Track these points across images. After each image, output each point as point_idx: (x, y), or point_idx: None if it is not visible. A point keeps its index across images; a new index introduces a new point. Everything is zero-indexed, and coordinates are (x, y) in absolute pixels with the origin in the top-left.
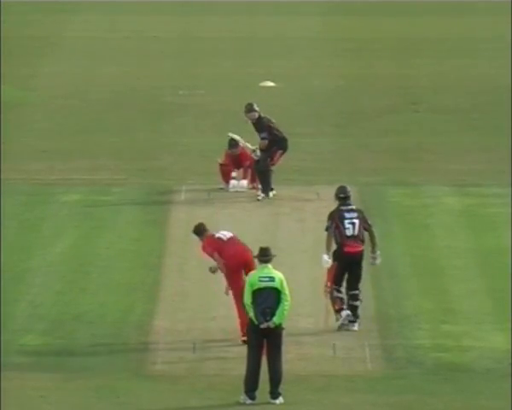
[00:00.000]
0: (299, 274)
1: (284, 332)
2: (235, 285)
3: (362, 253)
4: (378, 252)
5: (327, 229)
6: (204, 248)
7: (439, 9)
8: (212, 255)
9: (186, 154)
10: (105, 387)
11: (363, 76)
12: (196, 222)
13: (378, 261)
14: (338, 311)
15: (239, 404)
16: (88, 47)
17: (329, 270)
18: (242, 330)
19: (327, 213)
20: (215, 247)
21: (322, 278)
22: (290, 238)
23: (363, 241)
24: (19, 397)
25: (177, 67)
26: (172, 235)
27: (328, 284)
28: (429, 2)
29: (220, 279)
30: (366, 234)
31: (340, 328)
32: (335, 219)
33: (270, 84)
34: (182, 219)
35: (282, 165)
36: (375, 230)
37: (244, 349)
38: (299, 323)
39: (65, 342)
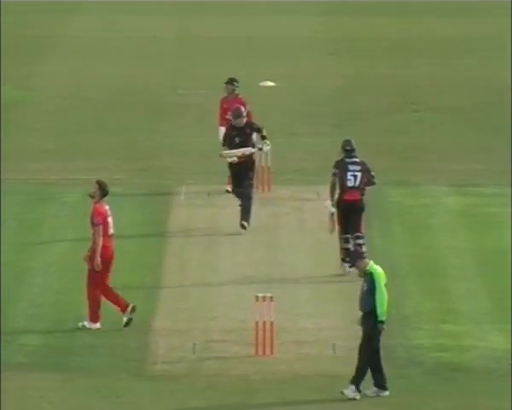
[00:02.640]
0: (299, 274)
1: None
2: (100, 275)
3: (360, 201)
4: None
5: (333, 175)
6: (98, 214)
7: (439, 9)
8: (98, 225)
9: (186, 154)
10: (105, 387)
11: (363, 76)
12: (196, 223)
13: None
14: (342, 260)
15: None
16: (88, 47)
17: (337, 218)
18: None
19: (327, 213)
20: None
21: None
22: (290, 238)
23: (362, 192)
24: (19, 397)
25: (177, 67)
26: (172, 235)
27: (338, 228)
28: (429, 2)
29: (220, 279)
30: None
31: (342, 275)
32: (340, 169)
33: (270, 84)
34: (182, 219)
35: (282, 165)
36: (376, 181)
37: (244, 349)
38: (299, 323)
39: (65, 342)
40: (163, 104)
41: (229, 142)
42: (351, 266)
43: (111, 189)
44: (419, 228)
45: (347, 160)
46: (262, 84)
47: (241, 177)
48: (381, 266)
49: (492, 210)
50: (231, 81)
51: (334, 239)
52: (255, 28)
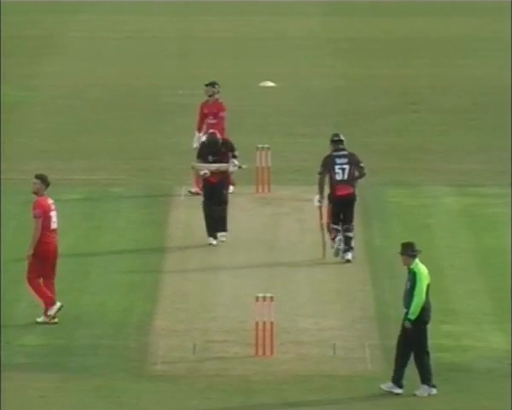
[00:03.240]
0: (299, 274)
1: None
2: (41, 269)
3: (352, 195)
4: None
5: (319, 173)
6: (39, 207)
7: (439, 9)
8: (37, 217)
9: (186, 154)
10: (105, 387)
11: (363, 76)
12: (196, 223)
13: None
14: (333, 238)
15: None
16: (88, 47)
17: (328, 211)
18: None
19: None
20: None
21: (316, 218)
22: (290, 238)
23: (353, 184)
24: (19, 397)
25: (177, 67)
26: (172, 235)
27: (327, 220)
28: (429, 2)
29: (220, 279)
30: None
31: (337, 254)
32: (327, 165)
33: (270, 84)
34: (181, 219)
35: (282, 165)
36: (365, 171)
37: (244, 349)
38: (299, 323)
39: (65, 342)
40: (163, 104)
41: (202, 160)
42: (352, 255)
43: (111, 189)
44: (419, 228)
45: (334, 153)
46: (262, 84)
47: (216, 196)
48: (381, 266)
49: (492, 210)
50: (212, 84)
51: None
52: (255, 28)
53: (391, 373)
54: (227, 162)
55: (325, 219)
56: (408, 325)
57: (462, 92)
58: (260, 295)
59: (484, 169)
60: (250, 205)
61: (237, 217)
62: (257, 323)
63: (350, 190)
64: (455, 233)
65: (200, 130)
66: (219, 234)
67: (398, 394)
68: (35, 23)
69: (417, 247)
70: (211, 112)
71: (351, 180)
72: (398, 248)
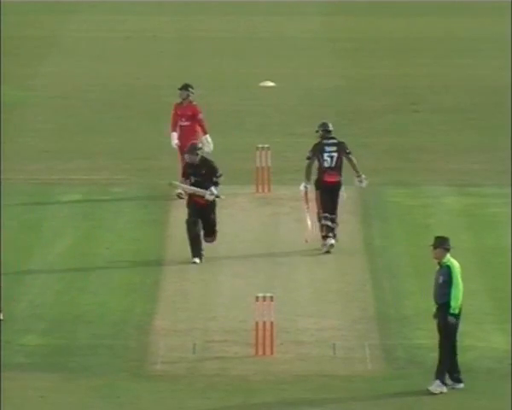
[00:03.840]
0: (299, 274)
1: None
2: None
3: (338, 183)
4: (363, 175)
5: (308, 158)
6: None
7: (439, 9)
8: None
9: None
10: (105, 387)
11: (363, 76)
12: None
13: (364, 184)
14: (324, 237)
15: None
16: (88, 47)
17: (317, 200)
18: None
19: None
20: None
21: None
22: (290, 238)
23: (340, 172)
24: (19, 397)
25: (177, 67)
26: (172, 235)
27: (318, 210)
28: (429, 2)
29: (221, 279)
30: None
31: (324, 252)
32: (316, 152)
33: (270, 84)
34: (182, 219)
35: (282, 165)
36: (353, 157)
37: (244, 349)
38: (299, 323)
39: (65, 342)
40: (163, 104)
41: (186, 179)
42: (335, 240)
43: (111, 189)
44: (419, 228)
45: (324, 141)
46: (262, 84)
47: (203, 221)
48: (381, 266)
49: (492, 210)
50: (186, 87)
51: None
52: (255, 28)
53: (390, 373)
54: (209, 185)
55: (311, 206)
56: (452, 320)
57: (462, 92)
58: (260, 295)
59: (484, 169)
60: (250, 205)
61: (237, 217)
62: (257, 323)
63: (337, 178)
64: (455, 233)
65: (174, 130)
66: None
67: (460, 388)
68: (35, 23)
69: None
70: (184, 114)
71: (338, 168)
72: (398, 248)
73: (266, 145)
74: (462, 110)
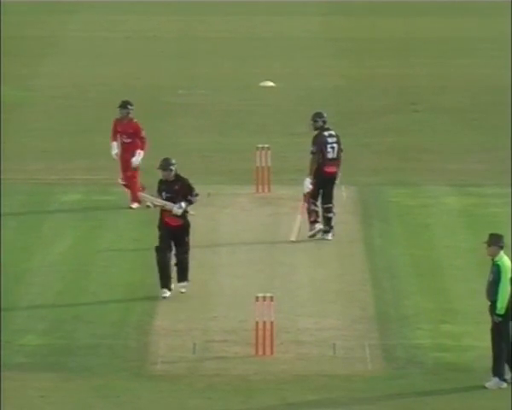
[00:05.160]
0: (299, 274)
1: None
2: None
3: (337, 173)
4: (339, 174)
5: (312, 153)
6: None
7: (439, 9)
8: None
9: (186, 154)
10: (105, 387)
11: (363, 76)
12: (196, 223)
13: (338, 181)
14: (312, 222)
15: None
16: (88, 47)
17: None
18: None
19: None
20: None
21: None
22: (290, 238)
23: (339, 163)
24: (19, 397)
25: (177, 67)
26: None
27: (311, 198)
28: (429, 2)
29: (220, 279)
30: None
31: (311, 237)
32: (320, 145)
33: (270, 84)
34: None
35: (282, 165)
36: (343, 155)
37: (244, 349)
38: (299, 323)
39: (65, 342)
40: (163, 104)
41: (159, 195)
42: (332, 235)
43: (111, 189)
44: (419, 228)
45: (325, 133)
46: (262, 84)
47: (176, 243)
48: (381, 267)
49: (492, 210)
50: (125, 105)
51: (334, 239)
52: (255, 28)
53: (390, 373)
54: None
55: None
56: (497, 319)
57: (463, 92)
58: (260, 295)
59: (484, 169)
60: (250, 205)
61: (237, 217)
62: (257, 323)
63: (336, 169)
64: (455, 233)
65: (114, 140)
66: (180, 284)
67: (504, 388)
68: (35, 23)
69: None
70: (125, 131)
71: (339, 159)
72: (398, 249)
73: (266, 145)
74: (462, 110)
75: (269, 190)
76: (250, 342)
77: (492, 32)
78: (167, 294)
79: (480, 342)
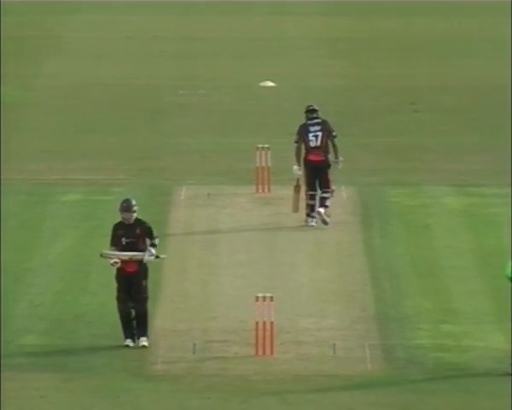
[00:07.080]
0: (299, 274)
1: None
2: None
3: (324, 162)
4: (340, 158)
5: (295, 142)
6: None
7: (439, 9)
8: None
9: (186, 154)
10: (105, 387)
11: (363, 76)
12: (196, 223)
13: (340, 166)
14: (306, 215)
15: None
16: (88, 47)
17: (304, 178)
18: None
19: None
20: None
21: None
22: (290, 238)
23: (325, 151)
24: (19, 397)
25: (177, 67)
26: (172, 235)
27: (307, 188)
28: (429, 2)
29: (220, 279)
30: None
31: (305, 225)
32: (301, 133)
33: (270, 84)
34: (181, 219)
35: (282, 165)
36: (337, 140)
37: (244, 349)
38: (299, 323)
39: (65, 342)
40: (163, 104)
41: (115, 242)
42: (315, 222)
43: (111, 189)
44: (419, 228)
45: (309, 122)
46: (262, 84)
47: (133, 290)
48: (381, 266)
49: (492, 210)
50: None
51: (334, 239)
52: (255, 28)
53: (390, 373)
54: (143, 247)
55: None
56: None
57: (463, 92)
58: (260, 295)
59: (484, 169)
60: (250, 205)
61: (237, 217)
62: (257, 323)
63: (322, 157)
64: (455, 233)
65: None
66: (140, 339)
67: None
68: (35, 23)
69: None
70: None
71: (323, 147)
72: (398, 248)
73: (266, 145)
74: (462, 110)
75: (269, 190)
76: (250, 343)
77: (492, 32)
78: (132, 344)
79: (480, 342)
